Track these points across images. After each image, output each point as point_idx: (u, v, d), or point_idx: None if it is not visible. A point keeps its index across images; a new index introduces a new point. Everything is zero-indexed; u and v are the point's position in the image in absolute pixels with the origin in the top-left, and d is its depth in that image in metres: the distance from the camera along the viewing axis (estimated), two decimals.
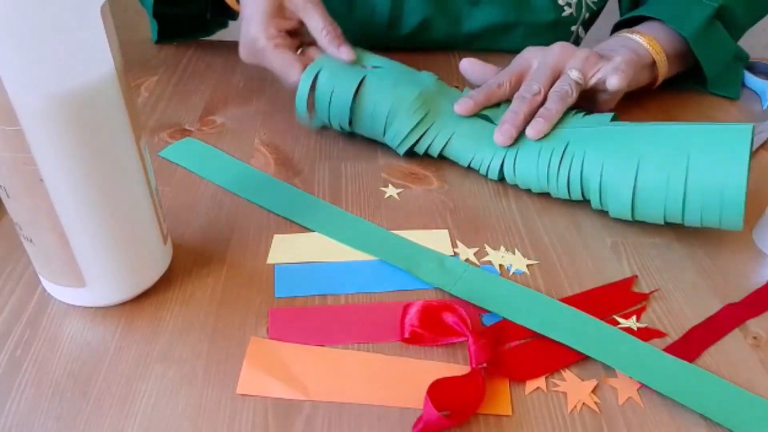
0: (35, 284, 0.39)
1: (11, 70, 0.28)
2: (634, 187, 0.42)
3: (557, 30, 0.71)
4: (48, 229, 0.33)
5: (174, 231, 0.43)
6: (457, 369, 0.35)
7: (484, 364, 0.34)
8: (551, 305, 0.39)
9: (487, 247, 0.44)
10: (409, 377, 0.35)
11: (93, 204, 0.33)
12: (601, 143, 0.45)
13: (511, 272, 0.42)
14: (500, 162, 0.48)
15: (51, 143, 0.30)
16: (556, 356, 0.36)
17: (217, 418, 0.32)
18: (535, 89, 0.49)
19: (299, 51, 0.54)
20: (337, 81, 0.50)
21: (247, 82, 0.64)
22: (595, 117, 0.48)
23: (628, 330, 0.38)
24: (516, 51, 0.54)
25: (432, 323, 0.37)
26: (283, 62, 0.52)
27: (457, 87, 0.54)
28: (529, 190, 0.49)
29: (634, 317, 0.39)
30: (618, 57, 0.52)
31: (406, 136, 0.50)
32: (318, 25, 0.52)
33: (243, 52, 0.55)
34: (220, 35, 0.75)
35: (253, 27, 0.52)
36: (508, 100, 0.51)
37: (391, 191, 0.49)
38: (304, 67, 0.51)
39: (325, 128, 0.56)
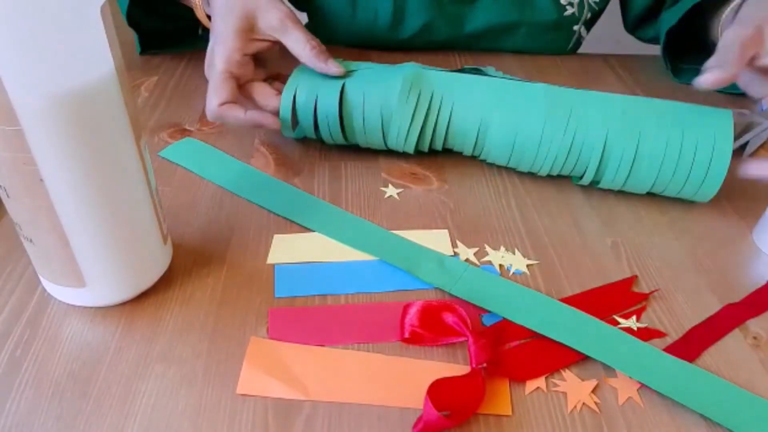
0: (35, 284, 0.39)
1: (11, 70, 0.28)
2: (635, 155, 0.45)
3: (559, 30, 0.71)
4: (48, 229, 0.33)
5: (174, 231, 0.43)
6: (457, 369, 0.35)
7: (484, 364, 0.34)
8: (551, 305, 0.39)
9: (487, 247, 0.44)
10: (409, 377, 0.35)
11: (93, 204, 0.33)
12: (604, 111, 0.46)
13: (511, 272, 0.42)
14: (505, 119, 0.47)
15: (51, 143, 0.30)
16: (556, 356, 0.36)
17: (217, 418, 0.32)
18: None
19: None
20: (319, 92, 0.49)
21: None
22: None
23: (628, 330, 0.38)
24: (517, 51, 0.54)
25: (432, 323, 0.37)
26: (216, 86, 0.48)
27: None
28: (529, 186, 0.49)
29: (634, 317, 0.39)
30: None
31: (409, 130, 0.48)
32: (300, 42, 0.50)
33: (207, 71, 0.52)
34: None
35: (219, 46, 0.49)
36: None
37: (391, 191, 0.49)
38: (229, 100, 0.48)
39: None
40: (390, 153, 0.53)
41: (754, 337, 0.38)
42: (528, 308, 0.38)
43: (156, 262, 0.39)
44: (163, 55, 0.69)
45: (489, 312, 0.38)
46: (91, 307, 0.38)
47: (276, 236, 0.44)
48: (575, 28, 0.71)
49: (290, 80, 0.50)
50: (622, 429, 0.32)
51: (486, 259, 0.43)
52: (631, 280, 0.41)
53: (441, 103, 0.48)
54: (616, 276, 0.42)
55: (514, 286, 0.40)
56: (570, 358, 0.36)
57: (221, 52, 0.49)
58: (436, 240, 0.44)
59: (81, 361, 0.35)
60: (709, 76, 0.43)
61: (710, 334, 0.38)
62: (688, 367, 0.35)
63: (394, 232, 0.45)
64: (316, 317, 0.38)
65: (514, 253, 0.43)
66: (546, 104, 0.46)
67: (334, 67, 0.49)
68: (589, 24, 0.73)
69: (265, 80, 0.53)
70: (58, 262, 0.35)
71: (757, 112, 0.61)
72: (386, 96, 0.48)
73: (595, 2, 0.70)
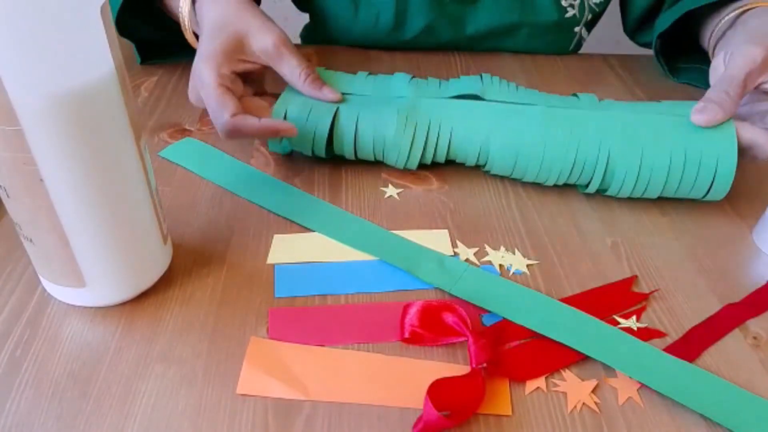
0: (35, 284, 0.39)
1: (11, 70, 0.28)
2: (640, 167, 0.45)
3: (560, 31, 0.71)
4: (48, 229, 0.33)
5: (174, 231, 0.43)
6: (457, 369, 0.35)
7: (484, 364, 0.34)
8: (551, 305, 0.39)
9: (487, 247, 0.44)
10: (409, 377, 0.35)
11: (93, 204, 0.33)
12: (604, 130, 0.46)
13: (511, 272, 0.42)
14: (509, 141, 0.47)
15: (51, 143, 0.30)
16: (556, 356, 0.36)
17: (217, 418, 0.32)
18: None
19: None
20: (311, 115, 0.48)
21: None
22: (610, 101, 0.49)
23: (628, 330, 0.38)
24: (519, 52, 0.53)
25: (432, 323, 0.37)
26: (220, 100, 0.46)
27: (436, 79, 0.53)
28: (529, 187, 0.49)
29: (634, 317, 0.39)
30: None
31: (409, 155, 0.49)
32: (295, 69, 0.49)
33: (191, 95, 0.49)
34: None
35: (204, 64, 0.47)
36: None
37: (391, 191, 0.49)
38: (239, 111, 0.46)
39: None
40: None
41: (754, 337, 0.38)
42: (528, 308, 0.38)
43: (156, 262, 0.39)
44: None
45: (489, 312, 0.38)
46: (91, 307, 0.38)
47: (276, 236, 0.44)
48: (576, 29, 0.71)
49: (283, 95, 0.50)
50: (622, 429, 0.32)
51: (486, 259, 0.43)
52: (631, 280, 0.41)
53: (439, 133, 0.48)
54: (616, 276, 0.42)
55: (514, 286, 0.40)
56: (570, 358, 0.36)
57: (210, 68, 0.47)
58: (436, 240, 0.44)
59: (81, 361, 0.35)
60: (705, 117, 0.44)
61: (710, 334, 0.38)
62: (688, 367, 0.35)
63: (394, 232, 0.45)
64: (316, 317, 0.38)
65: (514, 253, 0.43)
66: (545, 125, 0.46)
67: (329, 93, 0.49)
68: (590, 25, 0.73)
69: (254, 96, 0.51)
70: (58, 262, 0.35)
71: None
72: (381, 132, 0.48)
73: (595, 4, 0.70)
